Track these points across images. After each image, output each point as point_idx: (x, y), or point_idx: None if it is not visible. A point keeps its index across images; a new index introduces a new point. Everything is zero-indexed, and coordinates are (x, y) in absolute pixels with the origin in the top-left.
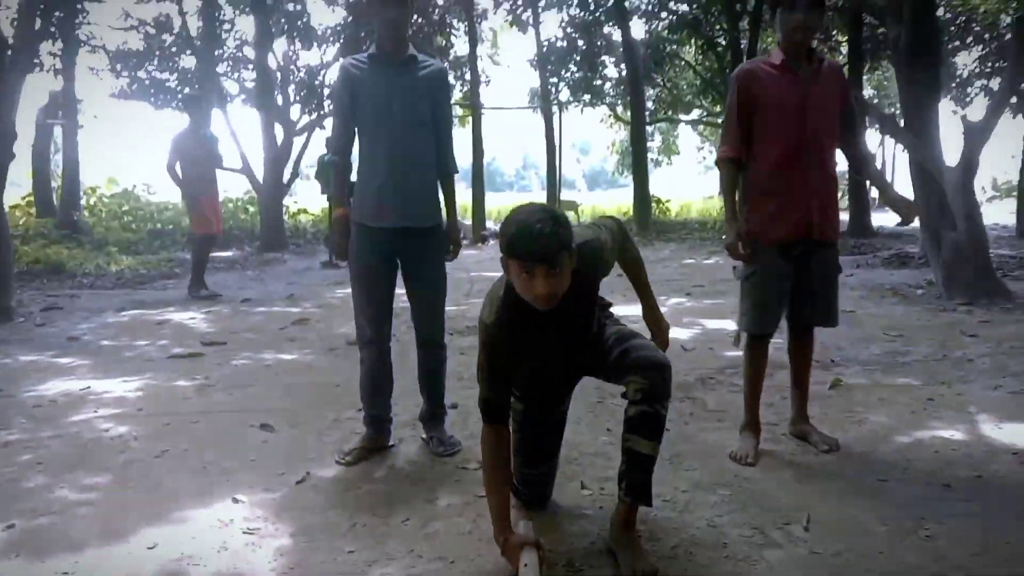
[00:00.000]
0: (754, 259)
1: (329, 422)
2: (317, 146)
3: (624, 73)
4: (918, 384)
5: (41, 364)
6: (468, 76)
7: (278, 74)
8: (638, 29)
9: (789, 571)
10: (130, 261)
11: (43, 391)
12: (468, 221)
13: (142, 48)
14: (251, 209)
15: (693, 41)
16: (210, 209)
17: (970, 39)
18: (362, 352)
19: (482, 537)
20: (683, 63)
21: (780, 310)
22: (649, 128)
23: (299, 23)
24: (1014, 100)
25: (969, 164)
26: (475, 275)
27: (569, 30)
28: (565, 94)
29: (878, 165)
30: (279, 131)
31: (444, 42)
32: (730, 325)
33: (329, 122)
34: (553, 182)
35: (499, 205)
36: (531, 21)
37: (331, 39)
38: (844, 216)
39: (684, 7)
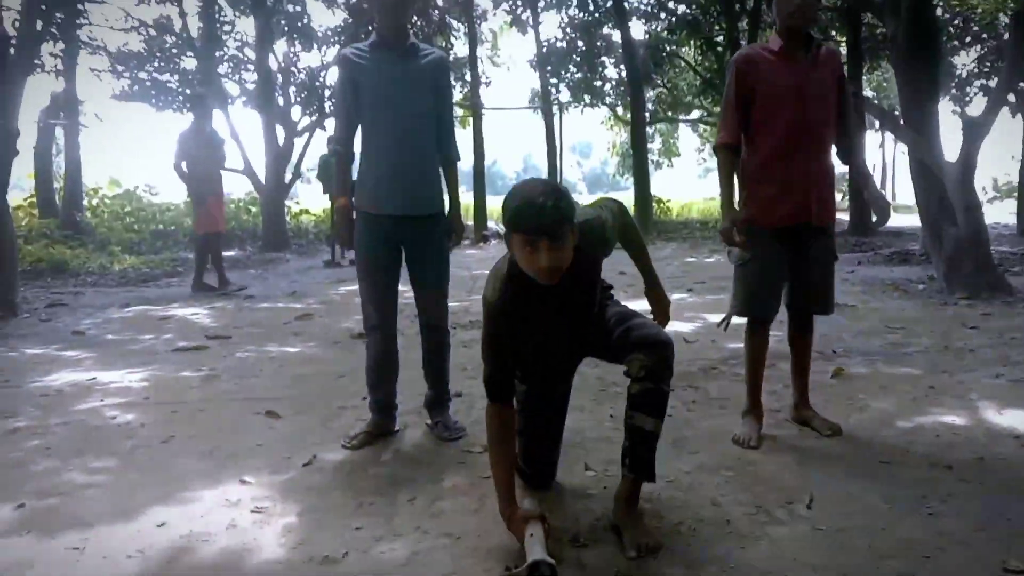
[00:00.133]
0: (751, 245)
1: (334, 410)
2: (318, 146)
3: (624, 74)
4: (919, 373)
5: (47, 357)
6: (468, 77)
7: (279, 75)
8: (637, 30)
9: (792, 546)
10: (133, 260)
11: (49, 381)
12: (470, 221)
13: (143, 49)
14: (253, 210)
15: (692, 42)
16: (216, 207)
17: (968, 38)
18: (368, 338)
19: (488, 515)
20: (683, 64)
21: (776, 296)
22: (649, 130)
23: (299, 24)
24: (1013, 100)
25: (968, 159)
26: (477, 273)
27: (569, 31)
28: (565, 95)
29: (878, 166)
30: (280, 132)
31: (444, 43)
32: (726, 331)
33: (330, 123)
34: None
35: (500, 206)
36: (531, 22)
37: (332, 40)
38: (843, 216)
39: (683, 7)
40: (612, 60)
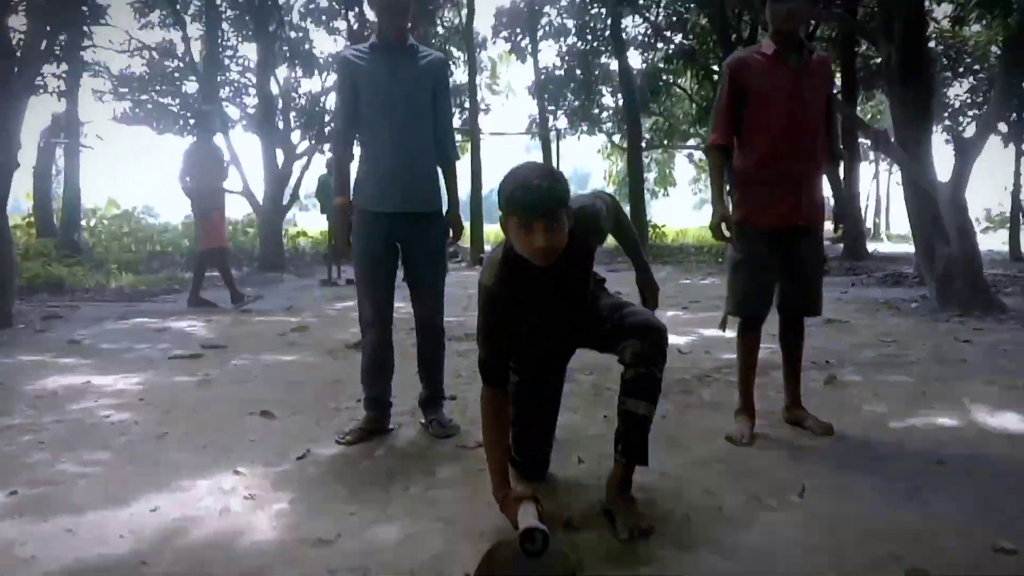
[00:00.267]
0: (743, 246)
1: (329, 411)
2: (317, 169)
3: (621, 102)
4: (912, 380)
5: (42, 363)
6: (467, 104)
7: (279, 99)
8: (635, 59)
9: (784, 530)
10: (131, 278)
11: (44, 384)
12: (467, 245)
13: (145, 72)
14: (251, 231)
15: (689, 71)
16: (220, 223)
17: (961, 69)
18: (364, 335)
19: (482, 503)
20: (679, 92)
21: (768, 296)
22: (645, 159)
23: (301, 50)
24: (1005, 129)
25: (960, 179)
26: (471, 292)
27: (567, 59)
28: (563, 122)
29: (871, 195)
30: (279, 155)
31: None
32: (726, 333)
33: (329, 146)
34: None
35: (498, 231)
36: (529, 50)
37: (332, 66)
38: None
39: (680, 37)
40: (609, 88)
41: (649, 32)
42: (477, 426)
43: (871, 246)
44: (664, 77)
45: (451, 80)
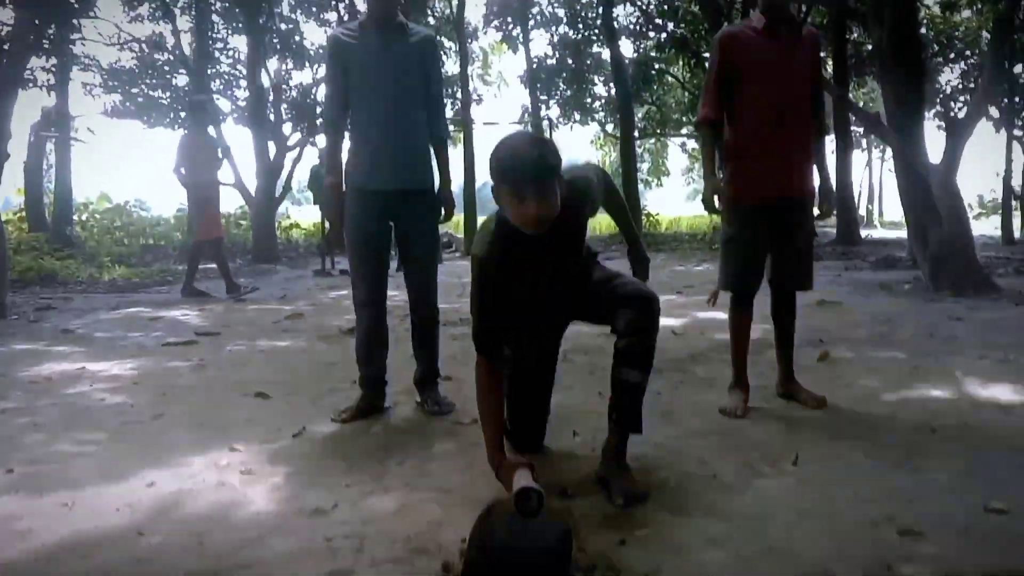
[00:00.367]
0: (735, 220)
1: (324, 392)
2: (309, 159)
3: (613, 91)
4: (905, 356)
5: (36, 351)
6: (459, 95)
7: (270, 92)
8: (627, 48)
9: (778, 495)
10: (123, 271)
11: (39, 371)
12: (461, 235)
13: (135, 66)
14: (243, 224)
15: (681, 60)
16: (215, 213)
17: (952, 54)
18: (358, 313)
19: (478, 473)
20: (671, 81)
21: (759, 271)
22: (639, 149)
23: (292, 42)
24: (997, 114)
25: (952, 160)
26: (466, 281)
27: (559, 49)
28: (555, 112)
29: (864, 182)
30: (271, 147)
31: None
32: (720, 315)
33: (321, 138)
34: None
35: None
36: (521, 39)
37: (323, 58)
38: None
39: (671, 26)
40: (601, 78)
41: (641, 20)
42: (472, 404)
43: (864, 232)
44: (656, 66)
45: (443, 69)
